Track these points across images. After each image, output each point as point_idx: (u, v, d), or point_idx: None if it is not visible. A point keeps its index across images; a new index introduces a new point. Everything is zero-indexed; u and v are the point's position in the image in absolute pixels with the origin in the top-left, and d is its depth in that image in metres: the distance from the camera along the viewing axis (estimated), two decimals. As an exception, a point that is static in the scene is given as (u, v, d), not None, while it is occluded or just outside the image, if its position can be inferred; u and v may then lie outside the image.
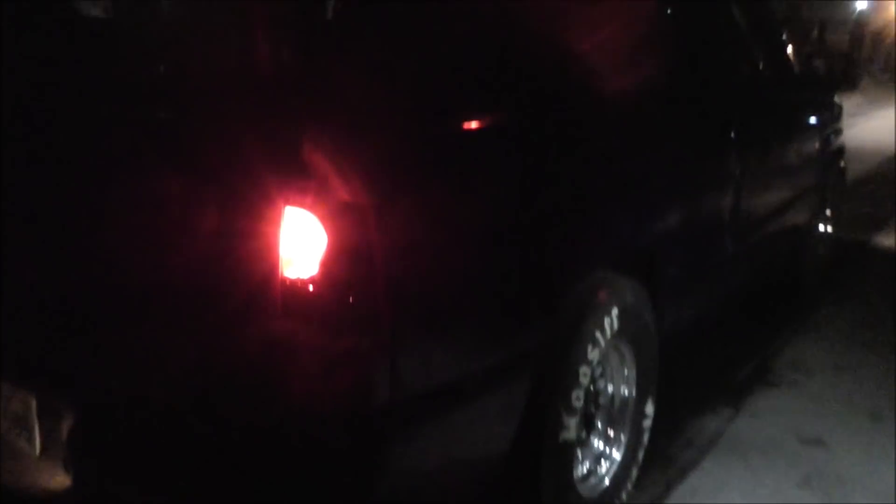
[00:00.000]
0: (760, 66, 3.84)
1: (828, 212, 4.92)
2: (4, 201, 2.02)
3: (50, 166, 1.99)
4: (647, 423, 2.61)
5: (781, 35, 4.32)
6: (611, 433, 2.52)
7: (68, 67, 2.03)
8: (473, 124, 1.96)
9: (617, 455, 2.52)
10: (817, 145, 4.38)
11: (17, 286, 2.05)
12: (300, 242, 1.62)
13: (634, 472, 2.58)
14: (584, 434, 2.40)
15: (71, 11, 2.19)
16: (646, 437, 2.61)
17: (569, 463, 2.26)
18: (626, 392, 2.53)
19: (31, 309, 2.05)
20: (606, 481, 2.48)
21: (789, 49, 4.28)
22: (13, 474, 2.20)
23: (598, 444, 2.49)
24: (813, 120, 4.39)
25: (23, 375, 2.02)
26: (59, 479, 2.01)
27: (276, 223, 1.62)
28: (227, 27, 1.87)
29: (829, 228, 4.99)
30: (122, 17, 2.20)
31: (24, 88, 2.04)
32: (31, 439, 2.00)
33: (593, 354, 2.21)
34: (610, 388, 2.50)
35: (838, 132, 4.85)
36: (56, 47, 2.10)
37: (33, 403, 1.98)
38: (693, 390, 3.40)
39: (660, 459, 2.85)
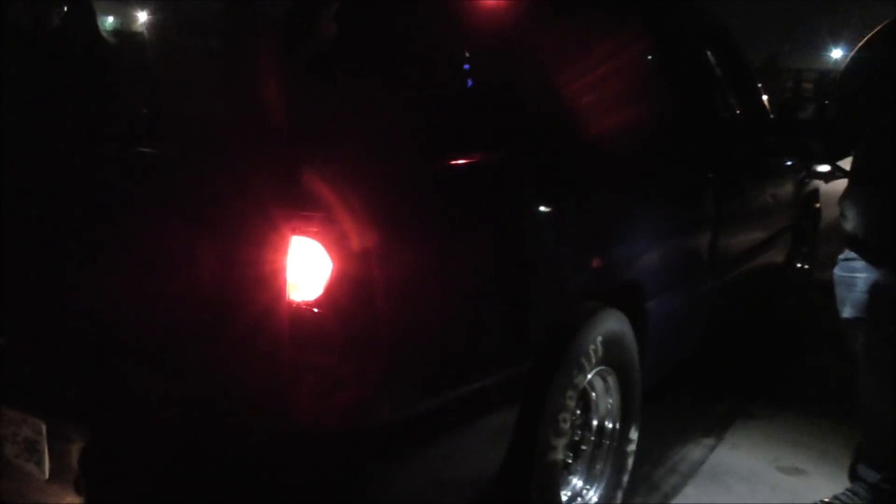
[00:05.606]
0: (737, 112, 4.02)
1: (804, 249, 5.08)
2: (13, 229, 2.11)
3: (63, 192, 2.08)
4: (632, 448, 2.70)
5: (756, 83, 4.50)
6: (597, 457, 2.61)
7: (76, 100, 2.14)
8: (472, 161, 2.09)
9: (602, 479, 2.61)
10: (792, 187, 4.54)
11: (25, 313, 2.14)
12: (306, 269, 1.72)
13: (619, 497, 2.66)
14: (570, 457, 2.48)
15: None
16: (630, 462, 2.70)
17: (556, 485, 2.35)
18: (611, 417, 2.63)
19: (40, 336, 2.12)
20: (593, 504, 2.57)
21: (764, 97, 4.46)
22: (20, 496, 2.27)
23: (584, 467, 2.58)
24: (788, 163, 4.56)
25: (32, 402, 2.09)
26: (69, 501, 2.08)
27: (284, 251, 1.73)
28: (237, 67, 1.99)
29: (806, 265, 5.16)
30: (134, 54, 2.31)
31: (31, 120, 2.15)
32: (40, 463, 2.07)
33: (579, 379, 2.32)
34: (595, 414, 2.60)
35: (813, 175, 5.02)
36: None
37: (44, 429, 2.05)
38: (676, 420, 3.51)
39: (644, 485, 2.95)
